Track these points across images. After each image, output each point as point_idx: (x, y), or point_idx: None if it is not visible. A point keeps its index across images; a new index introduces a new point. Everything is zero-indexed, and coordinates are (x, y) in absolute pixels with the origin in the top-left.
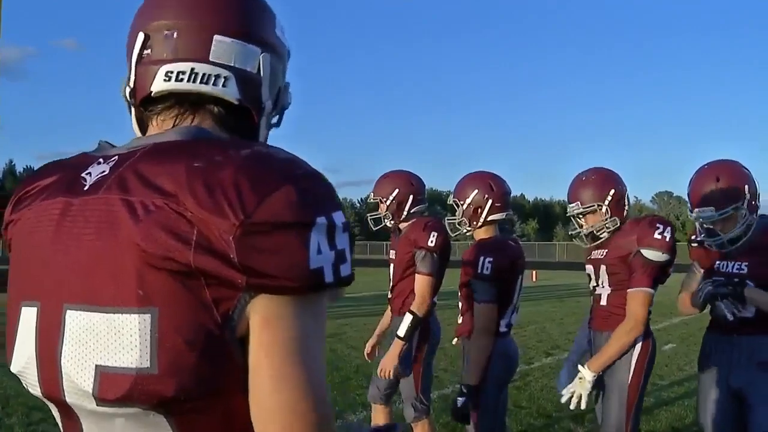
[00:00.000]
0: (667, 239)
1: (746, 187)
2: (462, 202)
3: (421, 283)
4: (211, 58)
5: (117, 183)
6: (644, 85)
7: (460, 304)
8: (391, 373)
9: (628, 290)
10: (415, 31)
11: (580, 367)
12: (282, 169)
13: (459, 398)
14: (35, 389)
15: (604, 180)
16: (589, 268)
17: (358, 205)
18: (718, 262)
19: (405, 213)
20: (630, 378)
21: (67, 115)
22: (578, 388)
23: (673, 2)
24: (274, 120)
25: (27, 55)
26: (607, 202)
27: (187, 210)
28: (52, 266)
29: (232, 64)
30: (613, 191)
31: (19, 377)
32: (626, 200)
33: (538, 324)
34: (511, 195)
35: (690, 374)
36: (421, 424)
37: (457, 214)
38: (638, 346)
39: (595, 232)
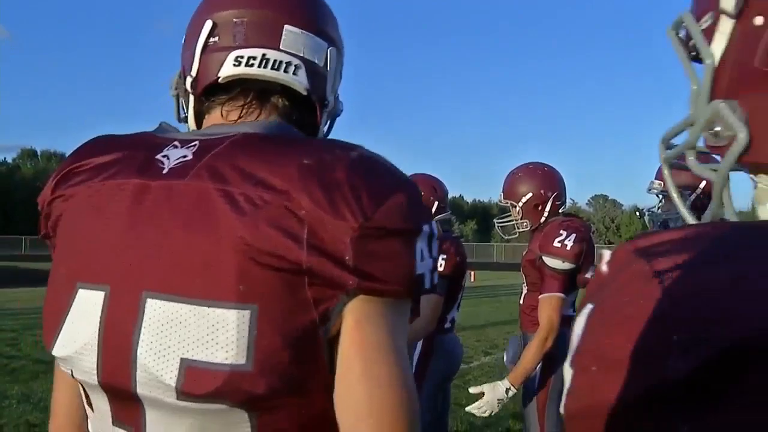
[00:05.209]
0: (568, 247)
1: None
2: None
3: None
4: (281, 47)
5: (208, 172)
6: (583, 90)
7: None
8: None
9: (539, 296)
10: (363, 39)
11: (504, 381)
12: (392, 175)
13: None
14: (89, 376)
15: (527, 178)
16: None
17: None
18: None
19: None
20: (537, 380)
21: None
22: (487, 396)
23: (607, 8)
24: (326, 127)
25: None
26: (521, 203)
27: (300, 208)
28: (127, 251)
29: (302, 54)
30: (530, 194)
31: (62, 361)
32: (546, 204)
33: (477, 324)
34: (450, 196)
35: None
36: None
37: None
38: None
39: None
